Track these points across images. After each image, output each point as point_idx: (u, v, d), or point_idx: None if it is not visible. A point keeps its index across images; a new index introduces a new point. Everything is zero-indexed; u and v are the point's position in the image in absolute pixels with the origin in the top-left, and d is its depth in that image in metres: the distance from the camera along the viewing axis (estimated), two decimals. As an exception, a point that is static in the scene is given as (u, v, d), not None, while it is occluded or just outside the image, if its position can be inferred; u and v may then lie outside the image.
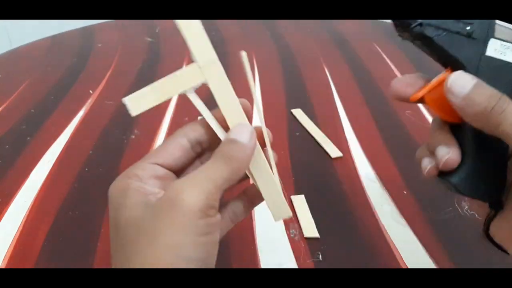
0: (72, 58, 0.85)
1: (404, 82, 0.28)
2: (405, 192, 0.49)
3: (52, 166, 0.54)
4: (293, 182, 0.50)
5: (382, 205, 0.47)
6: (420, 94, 0.27)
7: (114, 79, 0.75)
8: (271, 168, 0.27)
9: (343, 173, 0.52)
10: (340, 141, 0.58)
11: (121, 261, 0.23)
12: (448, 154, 0.26)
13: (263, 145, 0.27)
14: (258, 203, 0.29)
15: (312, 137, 0.59)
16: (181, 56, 0.84)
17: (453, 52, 0.27)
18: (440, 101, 0.27)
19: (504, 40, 0.27)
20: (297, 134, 0.60)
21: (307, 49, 0.88)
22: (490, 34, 0.27)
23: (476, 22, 0.27)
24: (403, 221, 0.45)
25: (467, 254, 0.41)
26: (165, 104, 0.67)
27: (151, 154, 0.26)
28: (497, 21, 0.27)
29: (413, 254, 0.41)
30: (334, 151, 0.55)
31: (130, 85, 0.73)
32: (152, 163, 0.26)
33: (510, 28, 0.28)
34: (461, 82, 0.25)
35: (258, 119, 0.28)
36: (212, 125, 0.26)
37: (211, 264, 0.24)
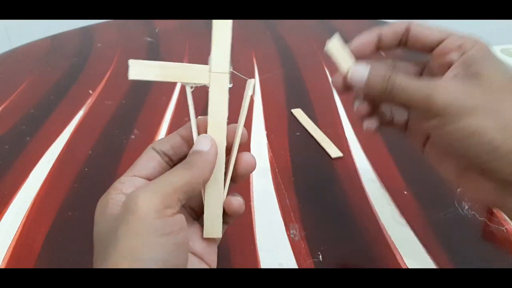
0: (71, 58, 0.85)
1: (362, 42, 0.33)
2: (405, 192, 0.49)
3: (52, 166, 0.54)
4: (293, 182, 0.50)
5: (382, 205, 0.47)
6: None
7: (114, 79, 0.75)
8: (225, 181, 0.27)
9: (343, 173, 0.52)
10: (340, 141, 0.58)
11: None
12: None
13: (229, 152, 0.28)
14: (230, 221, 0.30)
15: (312, 137, 0.59)
16: (181, 56, 0.84)
17: None
18: None
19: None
20: (297, 134, 0.60)
21: (307, 49, 0.88)
22: None
23: None
24: (403, 221, 0.45)
25: (467, 254, 0.41)
26: (165, 104, 0.67)
27: (129, 169, 0.27)
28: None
29: (413, 254, 0.41)
30: (334, 151, 0.55)
31: (130, 85, 0.73)
32: (131, 175, 0.27)
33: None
34: (359, 73, 0.31)
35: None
36: (192, 127, 0.27)
37: (179, 265, 0.23)
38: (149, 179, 0.27)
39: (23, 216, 0.46)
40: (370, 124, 0.34)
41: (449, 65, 0.29)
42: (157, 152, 0.28)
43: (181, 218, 0.24)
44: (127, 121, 0.63)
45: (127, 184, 0.26)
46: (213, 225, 0.27)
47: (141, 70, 0.26)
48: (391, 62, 0.33)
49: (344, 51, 0.32)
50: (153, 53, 0.86)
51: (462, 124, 0.26)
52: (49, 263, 0.40)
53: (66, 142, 0.58)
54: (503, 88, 0.27)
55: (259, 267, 0.40)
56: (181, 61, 0.81)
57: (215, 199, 0.27)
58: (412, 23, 0.31)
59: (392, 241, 0.42)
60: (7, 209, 0.47)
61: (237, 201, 0.28)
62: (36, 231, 0.44)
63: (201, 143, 0.27)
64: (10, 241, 0.43)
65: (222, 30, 0.26)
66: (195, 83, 0.27)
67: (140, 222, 0.22)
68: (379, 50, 0.32)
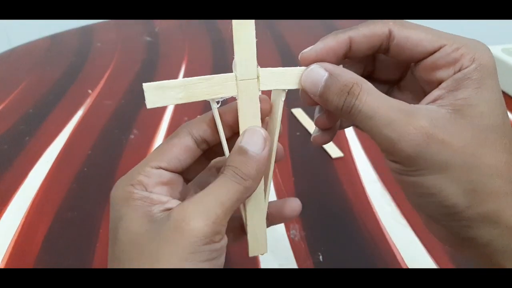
0: (71, 57, 0.85)
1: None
2: (405, 192, 0.49)
3: (51, 166, 0.54)
4: (293, 182, 0.50)
5: (383, 205, 0.47)
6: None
7: (113, 79, 0.75)
8: (265, 194, 0.25)
9: (344, 173, 0.52)
10: (340, 141, 0.58)
11: None
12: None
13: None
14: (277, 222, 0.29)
15: (312, 137, 0.58)
16: (181, 56, 0.84)
17: None
18: None
19: None
20: (298, 134, 0.59)
21: (307, 49, 0.88)
22: None
23: None
24: (404, 221, 0.45)
25: (467, 254, 0.41)
26: (165, 104, 0.67)
27: (155, 156, 0.25)
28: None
29: (414, 254, 0.41)
30: (334, 151, 0.55)
31: (129, 85, 0.73)
32: (157, 167, 0.24)
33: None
34: (314, 77, 0.25)
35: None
36: (224, 149, 0.24)
37: None
38: (177, 172, 0.25)
39: (22, 216, 0.46)
40: (323, 138, 0.28)
41: (437, 83, 0.23)
42: (195, 139, 0.25)
43: (225, 241, 0.23)
44: (127, 121, 0.63)
45: (153, 180, 0.24)
46: (259, 240, 0.25)
47: (159, 95, 0.22)
48: (369, 61, 0.27)
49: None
50: (152, 53, 0.86)
51: (425, 181, 0.21)
52: (48, 263, 0.40)
53: (65, 142, 0.58)
54: (490, 133, 0.21)
55: (259, 267, 0.40)
56: (181, 61, 0.81)
57: (258, 213, 0.24)
58: (395, 25, 0.23)
59: (392, 241, 0.42)
60: (6, 209, 0.47)
61: (295, 203, 0.27)
62: (35, 231, 0.44)
63: (251, 140, 0.23)
64: (9, 241, 0.43)
65: (244, 30, 0.23)
66: (221, 97, 0.23)
67: (187, 248, 0.21)
68: (347, 58, 0.25)
